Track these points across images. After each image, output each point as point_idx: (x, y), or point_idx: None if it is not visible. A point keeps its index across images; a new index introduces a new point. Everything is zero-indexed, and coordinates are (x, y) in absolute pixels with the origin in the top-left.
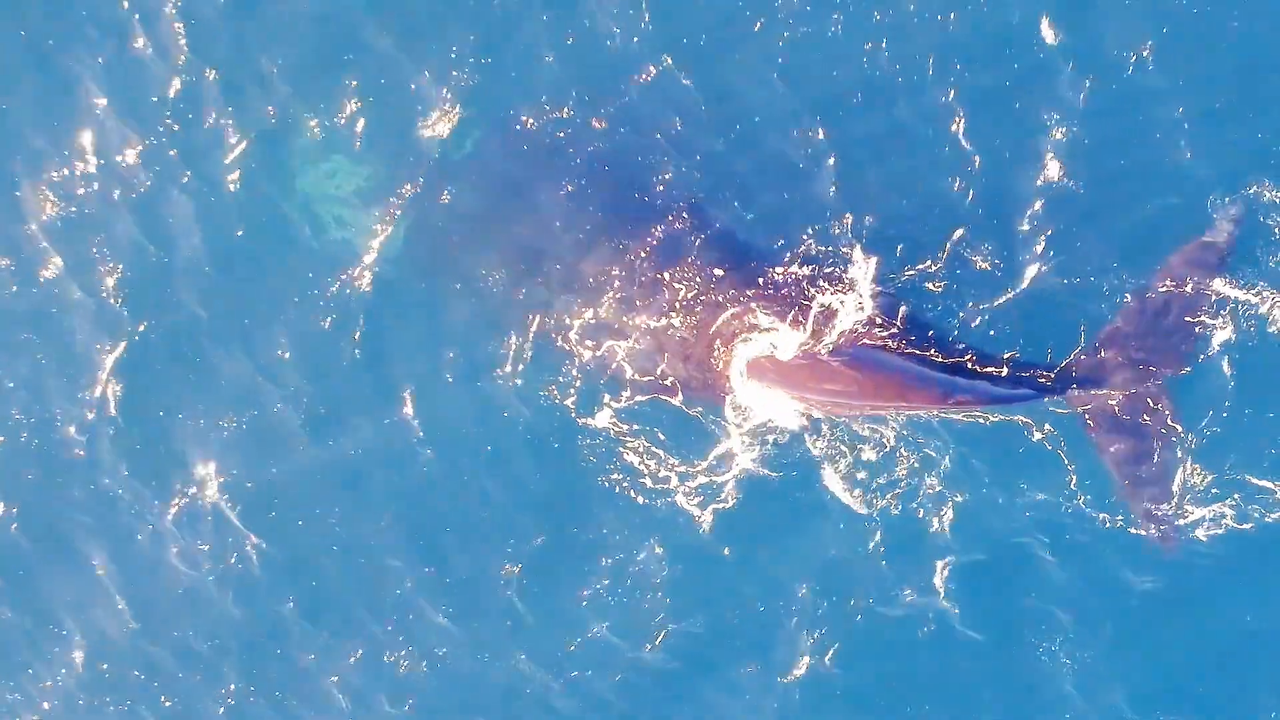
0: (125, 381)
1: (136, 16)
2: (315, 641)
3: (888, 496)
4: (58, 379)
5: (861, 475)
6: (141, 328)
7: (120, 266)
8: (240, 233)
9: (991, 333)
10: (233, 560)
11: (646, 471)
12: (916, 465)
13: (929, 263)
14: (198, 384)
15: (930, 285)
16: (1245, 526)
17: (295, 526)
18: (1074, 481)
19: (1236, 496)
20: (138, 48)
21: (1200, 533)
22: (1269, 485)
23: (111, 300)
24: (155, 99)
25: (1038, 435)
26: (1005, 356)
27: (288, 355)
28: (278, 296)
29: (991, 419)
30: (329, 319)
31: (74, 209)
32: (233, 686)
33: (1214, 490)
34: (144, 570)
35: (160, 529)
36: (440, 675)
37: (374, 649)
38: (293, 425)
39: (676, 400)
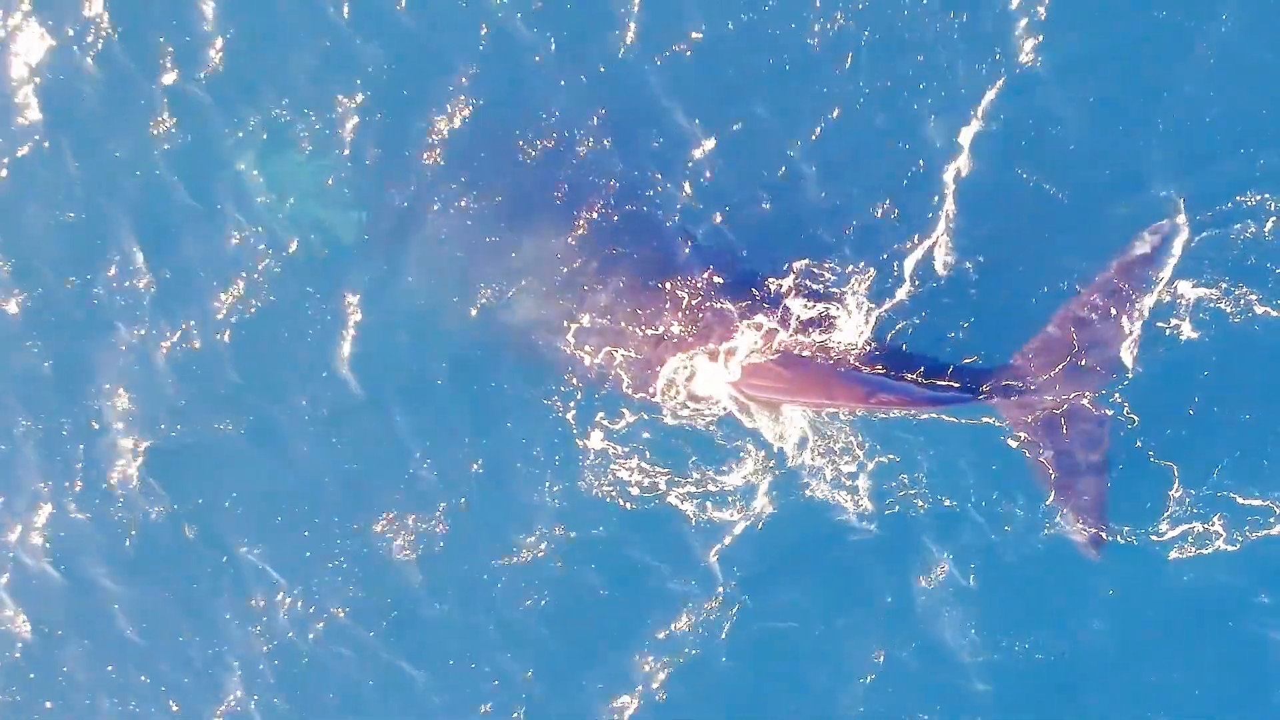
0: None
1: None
2: None
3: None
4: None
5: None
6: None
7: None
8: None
9: (923, 336)
10: None
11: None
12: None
13: (865, 268)
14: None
15: (866, 290)
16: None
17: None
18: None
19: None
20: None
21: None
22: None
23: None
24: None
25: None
26: (934, 358)
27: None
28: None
29: (962, 420)
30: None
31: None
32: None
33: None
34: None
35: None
36: None
37: None
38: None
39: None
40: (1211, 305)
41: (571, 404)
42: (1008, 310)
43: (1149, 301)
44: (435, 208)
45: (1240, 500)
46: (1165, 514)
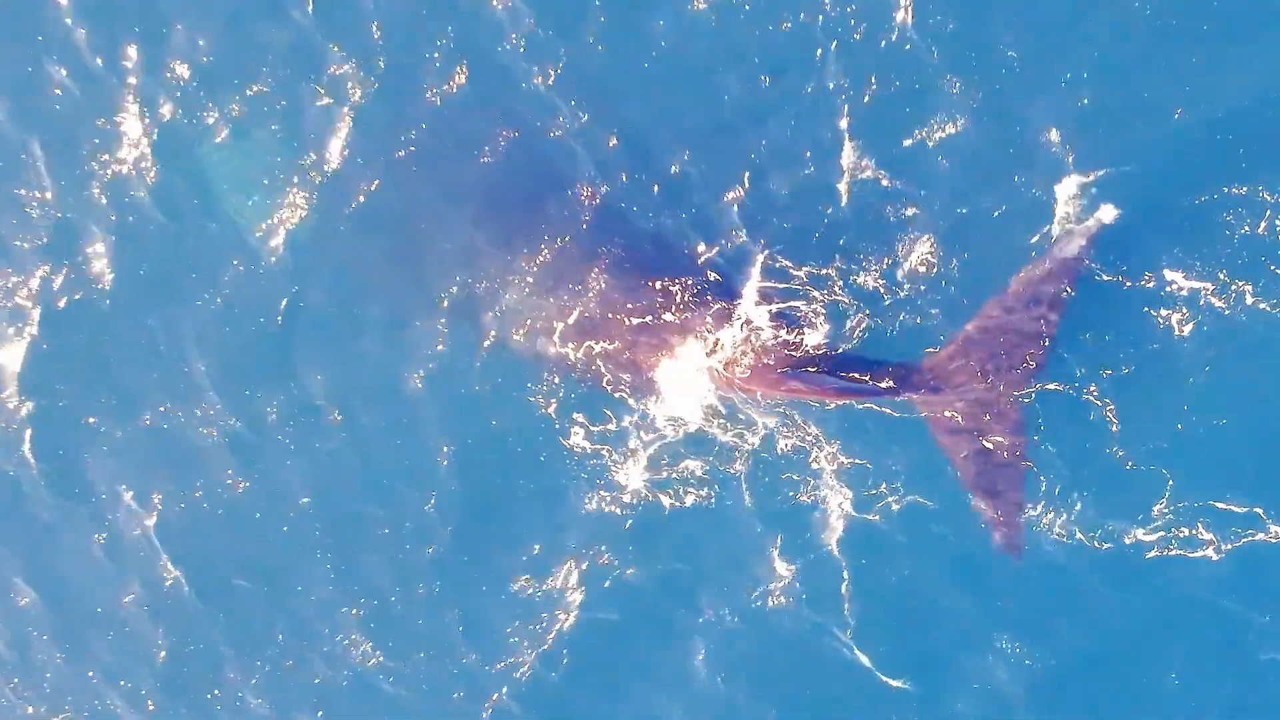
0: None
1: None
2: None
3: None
4: None
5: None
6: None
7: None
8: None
9: (844, 330)
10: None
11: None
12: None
13: (786, 263)
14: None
15: (788, 283)
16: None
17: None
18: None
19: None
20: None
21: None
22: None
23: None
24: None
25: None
26: (856, 351)
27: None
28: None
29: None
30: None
31: None
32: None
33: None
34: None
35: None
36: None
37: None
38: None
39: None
40: (1205, 301)
41: (553, 402)
42: (917, 312)
43: (1069, 301)
44: (400, 203)
45: (1222, 506)
46: (1150, 518)
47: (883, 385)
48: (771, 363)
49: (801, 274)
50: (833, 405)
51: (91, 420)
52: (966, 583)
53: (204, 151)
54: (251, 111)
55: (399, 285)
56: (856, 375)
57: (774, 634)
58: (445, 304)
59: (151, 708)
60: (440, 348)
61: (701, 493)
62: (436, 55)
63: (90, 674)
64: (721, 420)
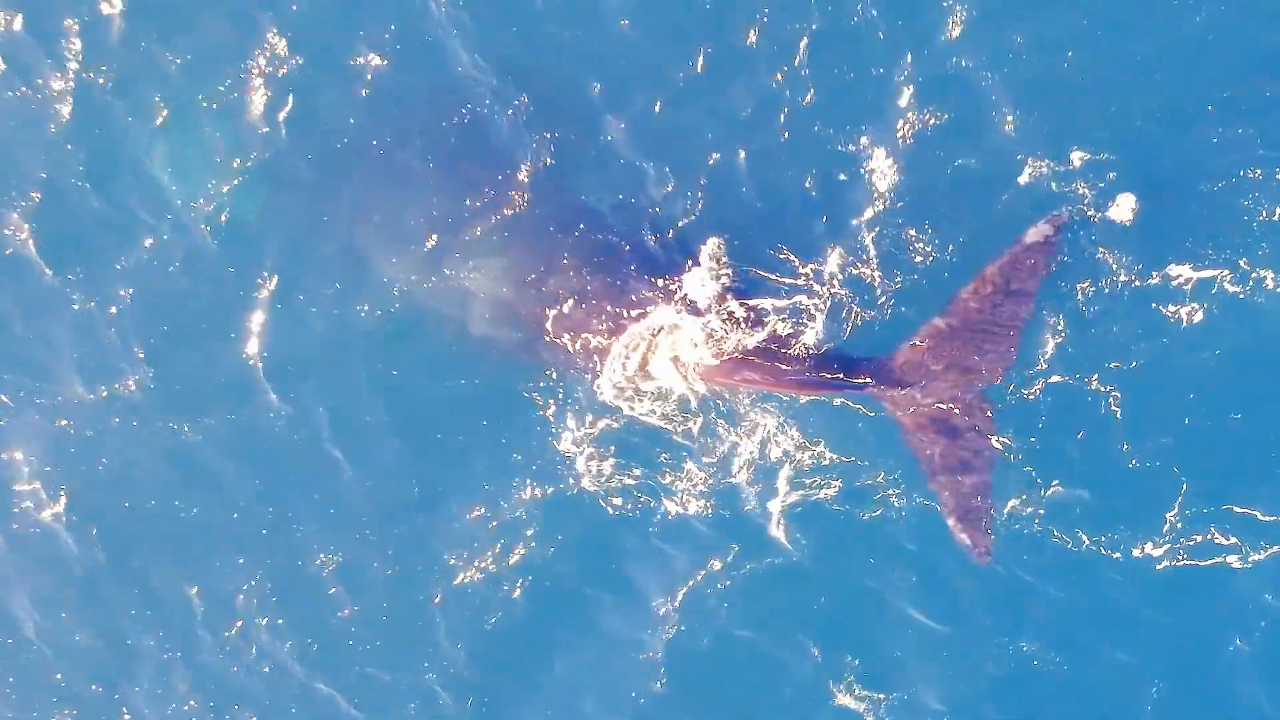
0: None
1: None
2: None
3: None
4: None
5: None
6: None
7: None
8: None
9: (811, 324)
10: None
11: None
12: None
13: (785, 257)
14: None
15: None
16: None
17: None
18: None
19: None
20: None
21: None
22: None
23: None
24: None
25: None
26: (821, 345)
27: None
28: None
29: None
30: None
31: None
32: None
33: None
34: None
35: None
36: None
37: None
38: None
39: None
40: (1217, 289)
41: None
42: (884, 306)
43: (1040, 293)
44: (342, 178)
45: (1239, 510)
46: (1164, 524)
47: (849, 379)
48: (733, 353)
49: (773, 265)
50: (805, 399)
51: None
52: (937, 593)
53: (145, 133)
54: (191, 89)
55: (340, 259)
56: (822, 371)
57: (724, 638)
58: (390, 279)
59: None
60: (385, 326)
61: (643, 498)
62: (366, 38)
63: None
64: (679, 413)
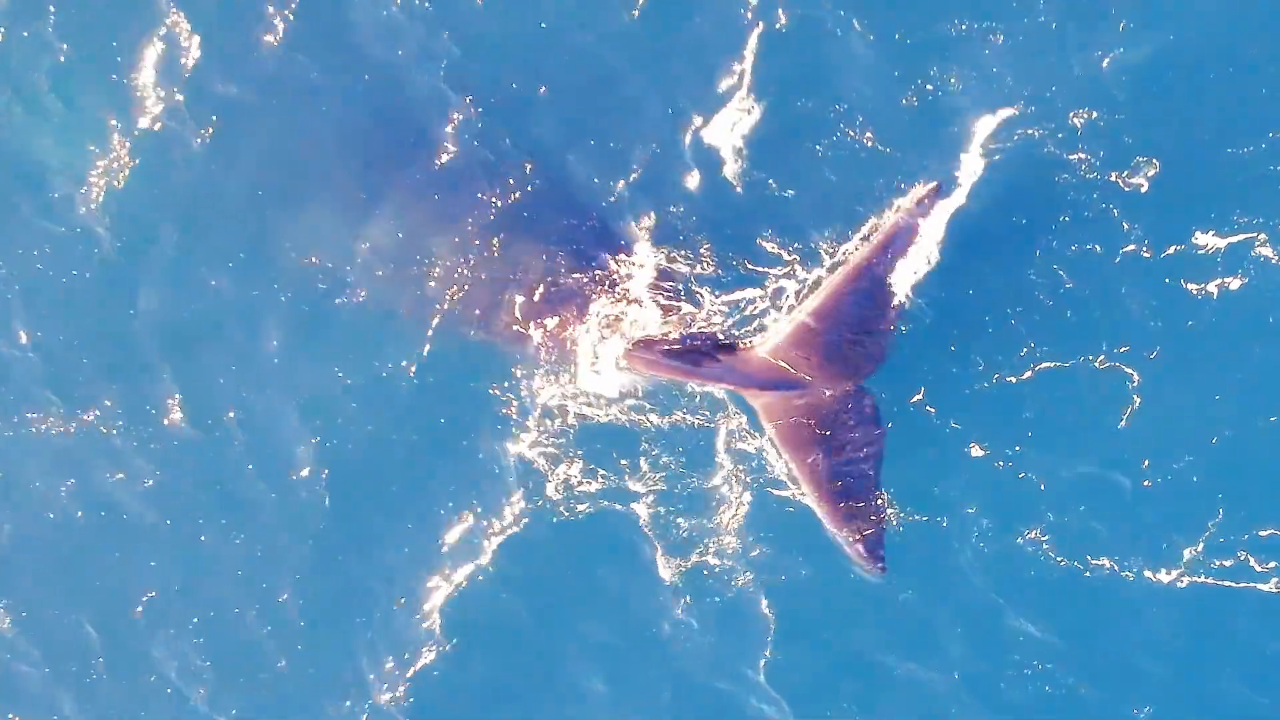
0: None
1: None
2: None
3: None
4: None
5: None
6: None
7: None
8: None
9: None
10: None
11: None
12: None
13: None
14: None
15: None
16: None
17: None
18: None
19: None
20: None
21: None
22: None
23: None
24: None
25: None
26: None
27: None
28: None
29: None
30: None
31: None
32: None
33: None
34: None
35: None
36: None
37: None
38: None
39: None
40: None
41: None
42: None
43: (913, 277)
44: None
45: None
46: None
47: (717, 372)
48: (639, 339)
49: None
50: (704, 388)
51: None
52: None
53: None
54: (82, 66)
55: (252, 244)
56: (696, 359)
57: (672, 659)
58: (307, 264)
59: None
60: (299, 314)
61: (602, 502)
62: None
63: None
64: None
